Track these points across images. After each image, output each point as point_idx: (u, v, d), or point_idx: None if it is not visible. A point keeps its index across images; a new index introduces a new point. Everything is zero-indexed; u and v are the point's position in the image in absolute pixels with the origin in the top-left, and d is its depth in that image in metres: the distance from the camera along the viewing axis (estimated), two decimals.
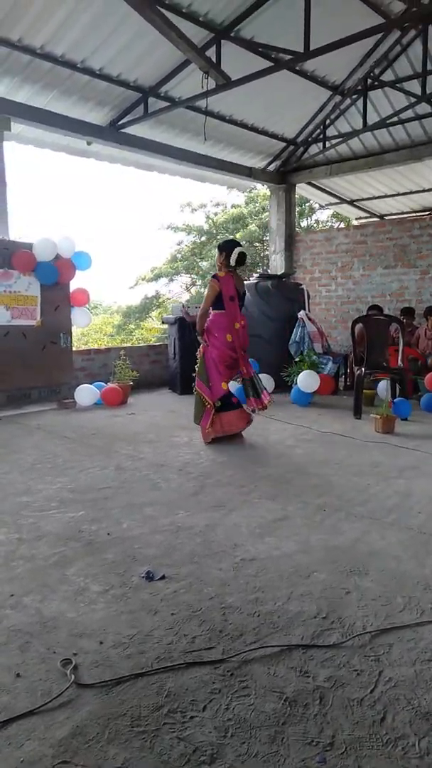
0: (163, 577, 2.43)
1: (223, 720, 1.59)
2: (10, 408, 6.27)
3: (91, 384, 6.91)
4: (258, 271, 16.02)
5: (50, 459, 4.38)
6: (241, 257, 4.87)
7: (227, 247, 4.93)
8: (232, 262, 4.86)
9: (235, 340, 4.88)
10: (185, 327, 7.55)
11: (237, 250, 4.86)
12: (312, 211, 17.38)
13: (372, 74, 7.88)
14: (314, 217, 17.80)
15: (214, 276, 4.88)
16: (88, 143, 7.68)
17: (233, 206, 17.72)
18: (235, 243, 5.06)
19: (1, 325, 6.02)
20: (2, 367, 6.01)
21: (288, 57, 6.27)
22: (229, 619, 2.10)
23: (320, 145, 9.08)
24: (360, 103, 8.19)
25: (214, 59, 6.30)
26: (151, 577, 2.42)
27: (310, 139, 9.34)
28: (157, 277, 18.75)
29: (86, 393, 6.68)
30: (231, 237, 5.39)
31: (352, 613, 2.13)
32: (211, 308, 4.87)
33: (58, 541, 2.82)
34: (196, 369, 4.90)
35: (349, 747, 1.49)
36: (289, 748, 1.49)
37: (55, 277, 6.34)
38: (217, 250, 5.07)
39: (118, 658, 1.88)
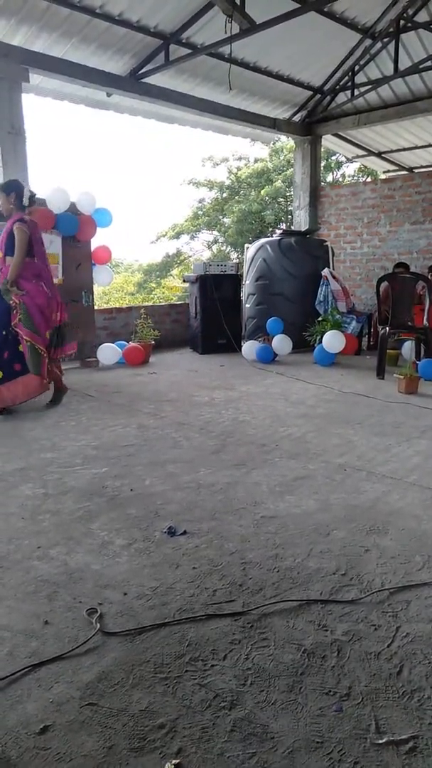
0: (184, 533, 2.48)
1: (242, 669, 1.64)
2: None
3: (113, 343, 6.94)
4: (281, 227, 15.67)
5: (74, 416, 4.45)
6: (32, 196, 4.61)
7: (15, 186, 4.58)
8: (26, 201, 4.55)
9: (49, 287, 4.70)
10: (207, 285, 7.48)
11: (27, 187, 4.64)
12: (338, 165, 16.79)
13: (405, 15, 7.41)
14: (340, 171, 17.21)
15: (21, 220, 4.45)
16: (108, 95, 7.47)
17: (257, 160, 17.20)
18: (16, 180, 4.81)
19: None
20: None
21: None
22: (249, 573, 2.15)
23: (348, 93, 8.66)
24: (391, 46, 7.74)
25: (237, 1, 5.99)
26: (173, 533, 2.47)
27: (337, 87, 8.94)
28: (178, 235, 18.50)
29: (108, 352, 6.71)
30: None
31: (371, 571, 2.16)
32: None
33: (83, 496, 2.89)
34: (20, 320, 4.51)
35: (366, 698, 1.53)
36: (307, 697, 1.53)
37: (75, 227, 6.27)
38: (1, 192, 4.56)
39: (141, 608, 1.94)
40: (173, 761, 1.32)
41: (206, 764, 1.33)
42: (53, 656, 1.69)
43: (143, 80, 7.35)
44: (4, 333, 4.50)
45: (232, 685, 1.58)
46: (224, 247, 18.38)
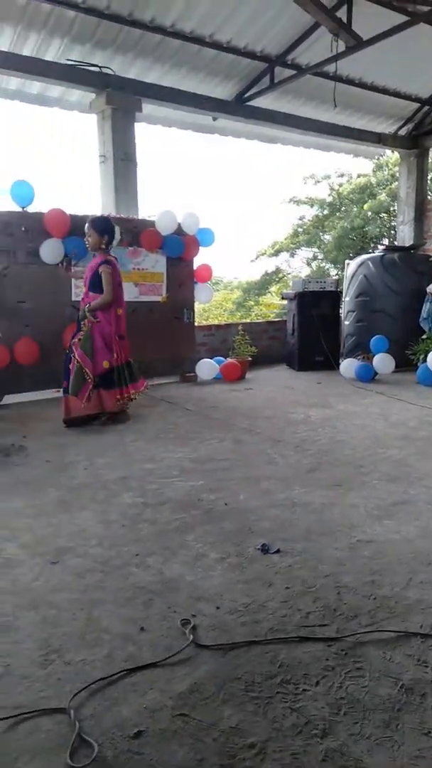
0: (278, 551, 2.46)
1: (335, 697, 1.59)
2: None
3: (211, 359, 7.08)
4: (383, 243, 15.24)
5: (172, 429, 4.58)
6: (120, 240, 4.82)
7: (108, 227, 4.74)
8: (115, 244, 4.74)
9: (122, 323, 4.86)
10: (305, 302, 7.43)
11: (118, 228, 4.74)
12: None
13: None
14: None
15: (108, 262, 4.70)
16: (214, 119, 7.73)
17: (359, 175, 16.90)
18: (111, 221, 4.88)
19: (129, 301, 6.33)
20: (130, 340, 6.32)
21: (427, 8, 5.78)
22: (344, 598, 2.09)
23: None
24: None
25: (344, 19, 5.98)
26: (267, 550, 2.46)
27: None
28: (277, 252, 18.55)
29: (207, 367, 6.86)
30: (103, 215, 5.12)
31: None
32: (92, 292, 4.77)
33: (179, 507, 2.97)
34: (79, 340, 4.72)
35: None
36: (405, 736, 1.45)
37: (181, 249, 6.49)
38: (91, 227, 4.71)
39: (233, 624, 1.95)
40: None
41: None
42: (148, 662, 1.74)
43: (248, 103, 7.54)
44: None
45: (324, 713, 1.54)
46: (324, 264, 18.17)
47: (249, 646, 1.82)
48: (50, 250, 5.45)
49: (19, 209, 5.39)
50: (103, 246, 4.75)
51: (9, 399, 5.56)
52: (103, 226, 4.79)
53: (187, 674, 1.70)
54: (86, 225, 4.77)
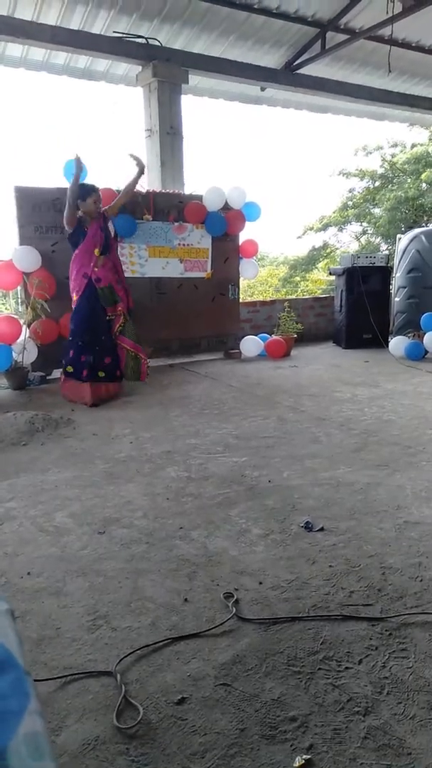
0: (322, 529, 2.44)
1: (379, 677, 1.58)
2: (182, 356, 6.66)
3: (256, 335, 7.03)
4: None
5: (217, 405, 4.60)
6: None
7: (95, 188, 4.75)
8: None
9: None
10: (354, 278, 7.25)
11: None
12: None
13: None
14: None
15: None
16: (262, 89, 7.54)
17: (414, 145, 16.21)
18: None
19: (175, 278, 6.34)
20: (175, 317, 6.36)
21: None
22: (389, 579, 2.06)
23: None
24: None
25: None
26: (310, 528, 2.45)
27: None
28: (325, 227, 18.13)
29: (251, 344, 6.82)
30: None
31: None
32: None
33: (223, 483, 2.98)
34: (120, 329, 4.83)
35: None
36: None
37: (223, 228, 6.42)
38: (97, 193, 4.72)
39: (275, 599, 1.95)
40: (304, 756, 1.32)
41: (337, 766, 1.30)
42: (191, 632, 1.78)
43: (297, 71, 7.31)
44: (103, 338, 4.82)
45: (367, 691, 1.53)
46: (374, 238, 17.65)
47: (291, 622, 1.83)
48: None
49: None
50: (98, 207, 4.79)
51: (57, 373, 5.70)
52: (92, 187, 4.80)
53: (230, 646, 1.72)
54: (98, 193, 4.75)
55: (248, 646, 1.72)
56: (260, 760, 1.32)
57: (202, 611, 1.89)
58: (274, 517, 2.58)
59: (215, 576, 2.10)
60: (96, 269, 4.76)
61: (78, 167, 4.65)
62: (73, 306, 4.84)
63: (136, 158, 4.87)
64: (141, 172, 4.92)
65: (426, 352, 6.55)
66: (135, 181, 4.95)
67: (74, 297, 4.83)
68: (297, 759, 1.31)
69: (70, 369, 4.78)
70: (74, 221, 4.70)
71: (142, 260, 6.09)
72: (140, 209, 5.91)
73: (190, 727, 1.42)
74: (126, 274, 5.98)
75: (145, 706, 1.48)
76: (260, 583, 2.05)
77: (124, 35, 6.20)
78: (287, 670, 1.61)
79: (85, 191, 4.68)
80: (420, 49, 7.59)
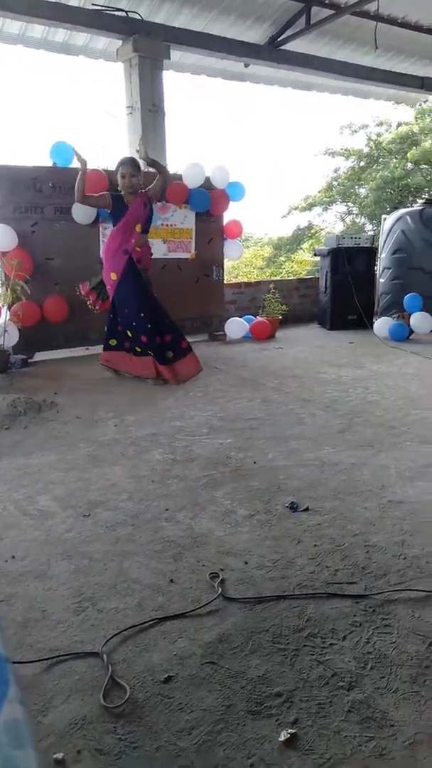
0: (307, 509, 2.46)
1: (362, 652, 1.61)
2: None
3: (240, 317, 7.01)
4: (424, 196, 14.62)
5: (201, 388, 4.58)
6: None
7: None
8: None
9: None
10: (339, 259, 7.23)
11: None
12: None
13: None
14: None
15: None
16: (246, 65, 7.41)
17: (400, 124, 16.10)
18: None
19: (158, 258, 6.26)
20: (160, 298, 6.28)
21: None
22: (373, 557, 2.09)
23: None
24: None
25: None
26: (295, 508, 2.47)
27: None
28: (310, 207, 18.02)
29: (236, 326, 6.79)
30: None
31: None
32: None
33: (208, 464, 2.99)
34: (165, 311, 4.75)
35: None
36: None
37: (207, 204, 6.33)
38: (135, 167, 4.53)
39: (261, 579, 1.97)
40: (289, 730, 1.34)
41: (322, 739, 1.33)
42: (177, 613, 1.79)
43: (282, 47, 7.18)
44: (142, 315, 4.63)
45: (351, 666, 1.56)
46: (359, 219, 17.59)
47: (276, 601, 1.85)
48: (83, 210, 5.40)
49: (50, 165, 5.33)
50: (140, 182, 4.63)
51: (39, 356, 5.64)
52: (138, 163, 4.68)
53: (216, 625, 1.74)
54: (127, 166, 4.53)
55: (234, 625, 1.73)
56: (246, 735, 1.34)
57: (188, 592, 1.90)
58: (259, 498, 2.59)
59: (201, 557, 2.11)
60: (138, 248, 4.65)
61: (81, 162, 4.51)
62: (112, 287, 4.68)
63: (142, 152, 4.63)
64: (157, 169, 4.67)
65: (411, 333, 6.59)
66: (162, 179, 4.71)
67: (113, 277, 4.64)
68: (282, 733, 1.33)
69: (138, 349, 4.68)
70: (104, 201, 4.62)
71: None
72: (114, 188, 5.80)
73: (177, 704, 1.44)
74: None
75: (132, 686, 1.49)
76: (246, 563, 2.07)
77: (104, 8, 6.03)
78: (272, 648, 1.63)
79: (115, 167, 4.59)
80: (406, 25, 7.50)
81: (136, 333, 4.66)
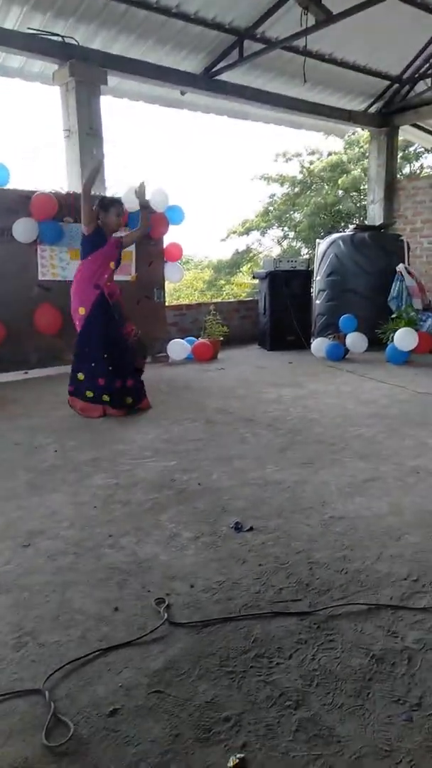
0: (251, 529, 2.48)
1: (308, 669, 1.62)
2: None
3: (182, 339, 7.04)
4: (354, 222, 15.30)
5: (145, 410, 4.55)
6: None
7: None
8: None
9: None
10: (276, 282, 7.43)
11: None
12: (417, 156, 16.16)
13: None
14: (419, 162, 16.56)
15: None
16: (182, 93, 7.57)
17: (330, 153, 16.85)
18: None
19: None
20: None
21: None
22: (316, 573, 2.12)
23: (429, 81, 8.34)
24: None
25: None
26: (240, 528, 2.48)
27: (417, 76, 8.61)
28: (248, 231, 18.47)
29: (178, 347, 6.82)
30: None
31: None
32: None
33: (152, 488, 2.96)
34: (132, 354, 4.61)
35: None
36: (375, 704, 1.49)
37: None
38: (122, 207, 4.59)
39: (207, 602, 1.96)
40: (238, 755, 1.33)
41: (271, 761, 1.32)
42: (122, 642, 1.74)
43: (217, 77, 7.39)
44: (125, 357, 4.48)
45: (297, 684, 1.57)
46: (294, 243, 18.17)
47: (223, 623, 1.84)
48: (24, 227, 5.33)
49: None
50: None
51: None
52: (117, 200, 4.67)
53: (162, 652, 1.71)
54: (123, 209, 4.60)
55: (181, 650, 1.71)
56: (195, 764, 1.32)
57: (133, 619, 1.87)
58: (204, 520, 2.58)
59: (146, 582, 2.08)
60: (109, 283, 4.48)
61: (95, 171, 4.43)
62: (80, 322, 4.42)
63: (140, 192, 4.59)
64: (145, 210, 4.68)
65: (346, 352, 6.82)
66: (141, 231, 4.77)
67: (81, 311, 4.40)
68: (231, 759, 1.32)
69: (90, 394, 4.38)
70: (94, 220, 4.35)
71: (64, 263, 5.94)
72: (61, 212, 5.77)
73: (123, 738, 1.40)
74: (47, 278, 5.84)
75: (75, 722, 1.44)
76: (192, 586, 2.05)
77: (39, 32, 6.02)
78: (220, 671, 1.62)
79: (108, 202, 4.46)
80: (333, 61, 7.91)
81: (93, 375, 4.39)
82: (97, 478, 3.11)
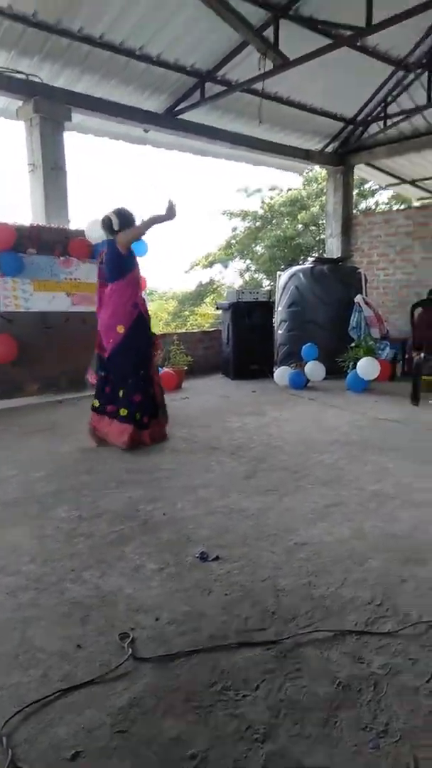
0: (216, 558, 2.46)
1: (275, 700, 1.61)
2: (71, 391, 6.47)
3: None
4: (313, 255, 15.76)
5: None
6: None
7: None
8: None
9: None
10: (239, 312, 7.54)
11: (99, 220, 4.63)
12: (372, 192, 16.85)
13: None
14: (374, 198, 17.27)
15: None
16: (145, 131, 7.74)
17: (290, 189, 17.42)
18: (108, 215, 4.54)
19: (62, 312, 6.20)
20: (63, 351, 6.20)
21: (349, 33, 6.08)
22: (281, 601, 2.12)
23: (381, 123, 8.78)
24: (425, 77, 7.84)
25: (271, 40, 6.18)
26: (205, 558, 2.46)
27: (369, 118, 9.04)
28: (211, 264, 18.76)
29: None
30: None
31: (408, 602, 2.10)
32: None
33: (116, 519, 2.91)
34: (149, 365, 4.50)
35: (404, 735, 1.48)
36: (342, 732, 1.49)
37: None
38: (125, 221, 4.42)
39: (173, 634, 1.92)
40: None
41: None
42: (85, 680, 1.69)
43: (179, 116, 7.61)
44: (141, 372, 4.39)
45: (264, 716, 1.55)
46: (256, 275, 18.54)
47: (188, 656, 1.81)
48: None
49: None
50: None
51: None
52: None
53: (126, 689, 1.66)
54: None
55: (146, 686, 1.67)
56: None
57: (97, 656, 1.82)
58: (169, 550, 2.55)
59: (110, 617, 2.03)
60: (143, 299, 4.49)
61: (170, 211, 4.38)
62: (118, 340, 4.34)
63: (171, 205, 4.44)
64: (166, 218, 4.47)
65: (308, 380, 6.94)
66: (156, 220, 4.46)
67: (120, 330, 4.33)
68: None
69: (124, 412, 4.29)
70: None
71: (27, 294, 5.92)
72: (24, 244, 5.77)
73: None
74: (9, 309, 5.79)
75: None
76: (157, 619, 2.02)
77: (3, 69, 6.10)
78: (186, 706, 1.59)
79: (134, 219, 4.44)
80: (290, 103, 8.25)
81: (129, 391, 4.33)
82: (60, 510, 3.04)
